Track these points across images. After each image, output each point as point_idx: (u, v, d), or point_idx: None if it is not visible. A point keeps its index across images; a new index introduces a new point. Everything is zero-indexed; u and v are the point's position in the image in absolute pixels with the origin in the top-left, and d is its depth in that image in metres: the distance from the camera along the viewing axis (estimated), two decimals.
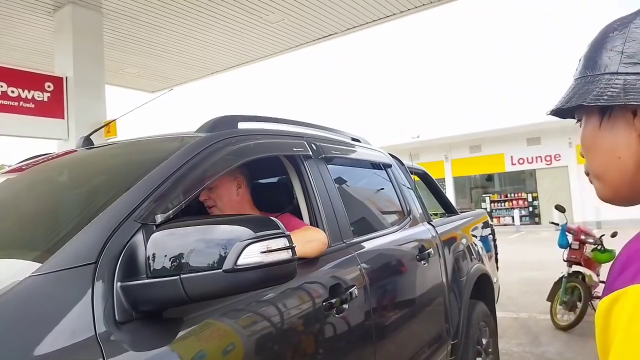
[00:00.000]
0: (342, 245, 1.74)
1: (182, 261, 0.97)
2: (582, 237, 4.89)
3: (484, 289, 3.08)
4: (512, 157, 20.25)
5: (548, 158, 19.50)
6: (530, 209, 20.35)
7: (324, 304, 1.44)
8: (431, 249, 2.38)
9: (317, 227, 1.70)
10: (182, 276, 0.95)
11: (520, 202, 20.56)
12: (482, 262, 3.16)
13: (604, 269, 5.19)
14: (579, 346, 4.11)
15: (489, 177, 21.78)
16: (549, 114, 0.67)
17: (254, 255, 0.95)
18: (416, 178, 3.05)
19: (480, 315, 2.85)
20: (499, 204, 21.05)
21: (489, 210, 20.73)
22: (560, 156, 19.21)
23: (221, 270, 0.94)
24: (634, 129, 0.56)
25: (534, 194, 20.27)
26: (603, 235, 5.03)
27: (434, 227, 2.64)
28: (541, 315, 5.12)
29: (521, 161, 20.12)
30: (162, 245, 1.01)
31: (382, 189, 2.59)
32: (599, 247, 4.83)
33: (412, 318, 2.08)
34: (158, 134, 1.77)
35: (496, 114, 17.45)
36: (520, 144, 19.86)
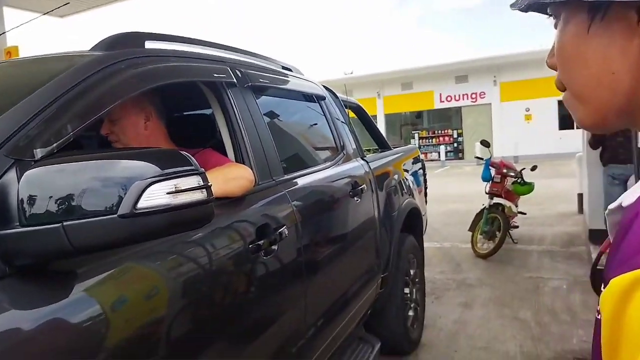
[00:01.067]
0: (271, 183, 1.60)
1: (66, 205, 0.78)
2: (504, 170, 5.14)
3: (414, 222, 3.13)
4: (440, 94, 20.82)
5: (474, 96, 20.28)
6: (455, 144, 21.38)
7: (250, 246, 1.31)
8: (364, 185, 2.32)
9: (244, 162, 1.54)
10: (65, 224, 0.76)
11: (447, 138, 21.50)
12: (413, 196, 3.19)
13: (522, 200, 5.57)
14: (497, 272, 4.43)
15: (419, 115, 22.39)
16: (513, 8, 0.51)
17: (158, 196, 0.79)
18: (350, 113, 2.93)
19: (410, 248, 2.91)
20: (427, 140, 21.88)
21: (417, 146, 21.51)
22: (485, 94, 20.03)
23: (116, 215, 0.76)
24: (636, 34, 0.42)
25: (459, 131, 21.23)
26: (524, 169, 5.32)
27: (367, 162, 2.58)
28: (463, 244, 5.44)
29: (449, 99, 20.78)
30: (41, 185, 0.80)
31: (315, 123, 2.44)
32: (519, 180, 5.12)
33: (344, 255, 2.04)
34: (45, 54, 1.46)
35: (427, 52, 17.57)
36: (449, 81, 20.39)
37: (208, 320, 1.18)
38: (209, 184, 0.87)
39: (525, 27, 16.50)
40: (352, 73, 21.21)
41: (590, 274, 3.49)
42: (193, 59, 1.51)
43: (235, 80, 1.64)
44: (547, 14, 0.51)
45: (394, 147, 3.69)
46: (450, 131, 21.52)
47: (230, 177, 1.35)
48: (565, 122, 17.47)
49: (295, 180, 1.77)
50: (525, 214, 5.60)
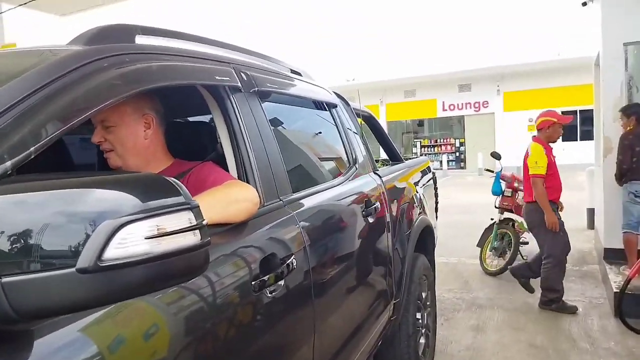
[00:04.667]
0: (278, 204, 1.38)
1: (9, 253, 0.57)
2: (516, 184, 4.93)
3: (426, 241, 2.92)
4: (443, 102, 20.64)
5: (477, 105, 20.09)
6: (457, 154, 21.16)
7: (253, 283, 1.09)
8: (378, 203, 2.11)
9: (247, 180, 1.32)
10: (3, 280, 0.55)
11: (449, 147, 21.29)
12: (425, 212, 2.97)
13: None
14: (508, 292, 4.21)
15: (420, 122, 22.20)
16: None
17: (135, 242, 0.57)
18: (361, 122, 2.72)
19: (422, 269, 2.69)
20: (429, 148, 21.67)
21: (419, 154, 21.35)
22: (488, 103, 19.85)
23: (74, 269, 0.55)
24: None
25: (461, 140, 21.02)
26: None
27: (380, 177, 2.36)
28: (469, 259, 5.22)
29: (452, 107, 20.59)
30: None
31: (327, 134, 2.23)
32: None
33: (355, 284, 1.82)
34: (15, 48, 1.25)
35: (431, 59, 17.42)
36: (452, 90, 20.21)
37: None
38: (204, 221, 0.65)
39: (530, 37, 16.28)
40: (354, 80, 21.04)
41: (616, 300, 3.30)
42: (192, 58, 1.30)
43: (240, 84, 1.43)
44: None
45: (406, 159, 3.48)
46: (452, 140, 21.31)
47: (232, 200, 1.13)
48: (568, 133, 17.30)
49: (304, 200, 1.55)
50: None
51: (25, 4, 8.86)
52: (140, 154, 1.36)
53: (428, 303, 2.84)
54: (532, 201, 3.77)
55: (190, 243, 0.62)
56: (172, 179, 0.65)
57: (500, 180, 5.00)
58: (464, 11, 16.75)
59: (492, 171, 5.26)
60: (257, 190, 1.30)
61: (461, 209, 8.86)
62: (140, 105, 1.34)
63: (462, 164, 20.97)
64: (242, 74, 1.48)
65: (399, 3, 17.65)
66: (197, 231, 0.63)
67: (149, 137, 1.37)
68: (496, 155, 5.06)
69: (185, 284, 0.94)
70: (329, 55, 18.16)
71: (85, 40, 1.06)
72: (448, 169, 20.21)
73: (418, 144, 21.80)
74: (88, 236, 0.58)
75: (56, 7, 9.52)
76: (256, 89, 1.51)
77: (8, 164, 0.72)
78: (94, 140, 1.32)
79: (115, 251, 0.56)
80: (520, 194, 4.96)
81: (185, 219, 0.62)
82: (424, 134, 22.31)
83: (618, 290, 3.36)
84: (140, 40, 1.18)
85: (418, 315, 2.59)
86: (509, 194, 4.94)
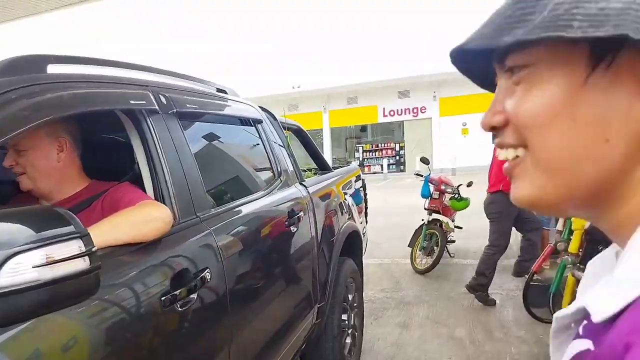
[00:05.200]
0: (194, 221, 1.47)
1: None
2: (442, 187, 5.26)
3: (353, 245, 3.09)
4: (384, 109, 21.31)
5: (415, 110, 20.93)
6: (397, 157, 21.93)
7: (162, 298, 1.18)
8: (301, 213, 2.24)
9: (163, 199, 1.40)
10: None
11: (389, 151, 22.00)
12: (353, 217, 3.15)
13: (459, 215, 5.72)
14: (434, 288, 4.49)
15: (363, 128, 22.79)
16: (465, 47, 0.38)
17: (25, 270, 0.65)
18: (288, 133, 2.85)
19: (348, 272, 2.85)
20: (371, 153, 22.30)
21: (361, 159, 21.92)
22: (425, 108, 20.73)
23: None
24: None
25: (401, 144, 21.80)
26: (460, 185, 5.47)
27: (305, 187, 2.50)
28: (403, 260, 5.50)
29: (392, 113, 21.30)
30: None
31: (251, 147, 2.34)
32: (456, 196, 5.25)
33: (276, 292, 1.94)
34: None
35: (371, 67, 17.94)
36: (392, 96, 20.93)
37: None
38: (94, 248, 0.74)
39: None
40: (299, 87, 21.26)
41: (524, 290, 3.63)
42: (107, 84, 1.37)
43: (157, 106, 1.50)
44: (501, 62, 0.39)
45: (336, 168, 3.66)
46: (392, 144, 22.05)
47: (143, 220, 1.21)
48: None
49: (223, 215, 1.65)
50: (461, 228, 5.76)
51: None
52: (53, 176, 1.41)
53: (355, 304, 3.01)
54: (497, 191, 4.03)
55: (80, 268, 0.71)
56: (63, 209, 0.74)
57: (429, 184, 5.31)
58: (402, 20, 17.41)
59: (422, 175, 5.57)
60: (172, 208, 1.38)
61: (398, 211, 9.23)
62: (54, 129, 1.39)
63: (401, 167, 21.74)
64: (160, 95, 1.55)
65: (341, 13, 18.06)
66: (87, 257, 0.72)
67: (62, 160, 1.42)
68: (425, 161, 5.37)
69: (98, 301, 1.02)
70: (276, 65, 18.28)
71: None
72: (388, 172, 20.87)
73: (360, 149, 22.36)
74: None
75: None
76: (175, 110, 1.59)
77: None
78: (5, 164, 1.35)
79: (7, 279, 0.64)
80: (447, 196, 5.31)
81: (75, 247, 0.71)
82: (366, 139, 22.92)
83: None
84: (54, 69, 1.24)
85: (344, 317, 2.75)
86: (437, 196, 5.27)
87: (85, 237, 0.73)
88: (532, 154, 0.37)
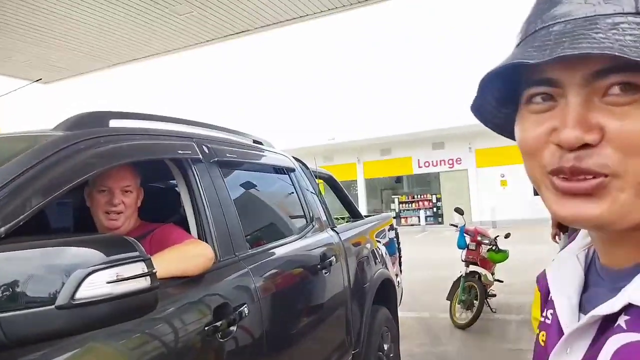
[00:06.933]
0: (233, 259, 1.58)
1: (6, 295, 0.76)
2: (479, 238, 5.18)
3: (387, 293, 3.09)
4: (419, 160, 21.35)
5: (450, 162, 20.85)
6: (435, 209, 21.60)
7: (206, 328, 1.28)
8: (333, 257, 2.31)
9: (206, 239, 1.53)
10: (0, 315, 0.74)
11: (426, 203, 21.74)
12: (386, 266, 3.17)
13: (498, 268, 5.57)
14: (476, 344, 4.33)
15: (398, 179, 22.78)
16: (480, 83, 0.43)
17: (99, 285, 0.78)
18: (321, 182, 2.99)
19: (383, 321, 2.85)
20: (407, 204, 22.09)
21: (397, 210, 21.73)
22: (461, 160, 20.63)
23: (53, 306, 0.75)
24: None
25: (438, 195, 21.55)
26: (497, 236, 5.37)
27: (337, 233, 2.58)
28: (441, 314, 5.34)
29: (427, 164, 21.29)
30: None
31: (285, 194, 2.47)
32: (493, 248, 5.15)
33: (310, 332, 1.99)
34: (8, 132, 1.48)
35: (405, 119, 18.27)
36: (426, 148, 21.01)
37: None
38: (154, 270, 0.86)
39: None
40: (334, 139, 21.82)
41: None
42: (159, 136, 1.55)
43: (200, 156, 1.67)
44: (592, 77, 0.38)
45: (369, 215, 3.73)
46: (429, 196, 21.83)
47: (188, 256, 1.34)
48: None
49: (260, 255, 1.76)
50: (502, 281, 5.58)
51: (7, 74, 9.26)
52: (132, 215, 1.59)
53: (392, 355, 2.97)
54: None
55: (143, 286, 0.83)
56: (132, 238, 0.87)
57: (464, 234, 5.25)
58: (435, 73, 17.83)
59: (457, 226, 5.53)
60: (214, 247, 1.51)
61: (437, 264, 9.04)
62: (139, 175, 1.58)
63: (439, 219, 21.35)
64: (203, 146, 1.73)
65: (373, 68, 18.75)
66: (148, 277, 0.84)
67: (138, 202, 1.61)
68: (459, 211, 5.35)
69: (147, 329, 1.12)
70: (312, 118, 19.02)
71: (66, 127, 1.30)
72: (426, 224, 20.56)
73: (396, 200, 22.22)
74: (64, 282, 0.78)
75: (39, 75, 9.87)
76: (216, 159, 1.76)
77: (2, 229, 0.93)
78: (114, 203, 1.51)
79: (85, 292, 0.76)
80: (484, 248, 5.22)
81: (139, 268, 0.83)
82: (402, 190, 22.85)
83: None
84: (115, 123, 1.43)
85: None
86: (473, 247, 5.18)
87: (147, 261, 0.86)
88: (631, 178, 0.37)
